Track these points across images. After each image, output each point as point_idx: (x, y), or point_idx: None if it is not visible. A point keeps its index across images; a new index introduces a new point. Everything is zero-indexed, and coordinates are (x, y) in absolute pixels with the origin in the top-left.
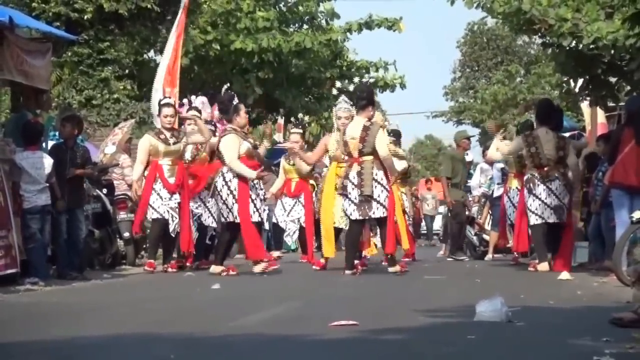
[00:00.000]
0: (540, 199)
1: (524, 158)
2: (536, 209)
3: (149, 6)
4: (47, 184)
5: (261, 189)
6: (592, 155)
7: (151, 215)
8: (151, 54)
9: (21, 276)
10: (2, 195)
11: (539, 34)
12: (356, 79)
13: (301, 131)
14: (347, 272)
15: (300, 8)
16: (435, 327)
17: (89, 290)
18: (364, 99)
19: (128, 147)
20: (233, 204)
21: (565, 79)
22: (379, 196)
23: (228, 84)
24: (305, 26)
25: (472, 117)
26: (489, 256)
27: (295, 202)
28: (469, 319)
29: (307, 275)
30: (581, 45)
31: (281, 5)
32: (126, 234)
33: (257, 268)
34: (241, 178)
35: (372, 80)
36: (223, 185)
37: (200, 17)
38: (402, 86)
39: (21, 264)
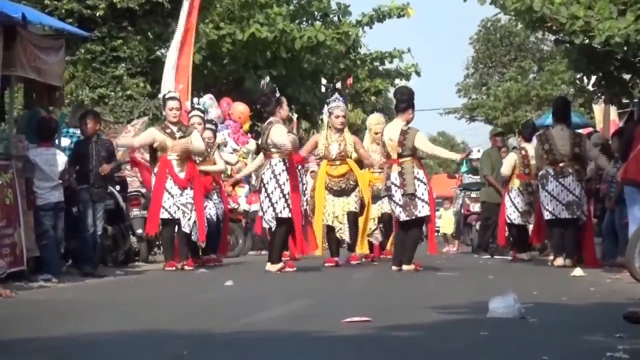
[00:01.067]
0: (552, 195)
1: (540, 156)
2: (548, 205)
3: (160, 0)
4: (60, 181)
5: (304, 183)
6: (603, 152)
7: (161, 215)
8: (164, 50)
9: (34, 273)
10: (12, 193)
11: (552, 30)
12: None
13: None
14: (394, 268)
15: (315, 3)
16: (447, 324)
17: (102, 287)
18: (405, 102)
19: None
20: (279, 198)
21: (579, 76)
22: (422, 194)
23: (267, 77)
24: (318, 22)
25: (485, 114)
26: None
27: None
28: (481, 315)
29: (318, 273)
30: (594, 43)
31: (294, 2)
32: (139, 231)
33: (273, 267)
34: (291, 171)
35: (385, 70)
36: (270, 179)
37: (214, 11)
38: (417, 74)
39: (34, 260)
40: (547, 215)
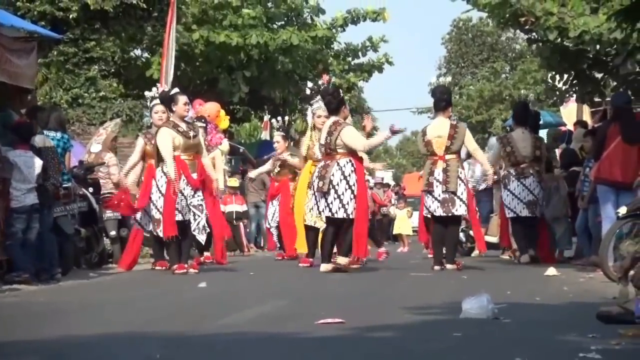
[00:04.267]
0: (513, 194)
1: (501, 157)
2: (510, 203)
3: (134, 2)
4: (36, 184)
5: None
6: (567, 152)
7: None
8: (137, 51)
9: (7, 274)
10: None
11: (525, 28)
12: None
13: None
14: (436, 267)
15: (287, 1)
16: (421, 324)
17: (76, 289)
18: (444, 101)
19: (114, 146)
20: (350, 199)
21: (550, 75)
22: (462, 194)
23: (328, 77)
24: (290, 26)
25: (458, 114)
26: (476, 252)
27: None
28: (455, 316)
29: (294, 273)
30: (566, 41)
31: (268, 4)
32: (112, 233)
33: (342, 260)
34: (359, 172)
35: (357, 64)
36: (341, 180)
37: (187, 11)
38: (390, 63)
39: (6, 262)
40: (508, 213)
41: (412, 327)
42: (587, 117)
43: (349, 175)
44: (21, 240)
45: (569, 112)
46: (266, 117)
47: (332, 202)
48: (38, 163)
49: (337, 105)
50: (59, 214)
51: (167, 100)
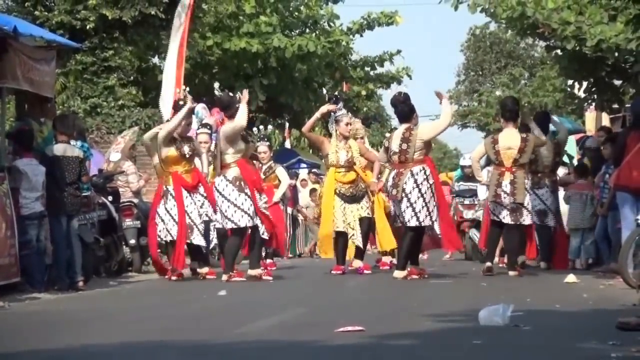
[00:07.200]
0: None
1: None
2: None
3: (152, 12)
4: (44, 192)
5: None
6: (596, 157)
7: (241, 223)
8: (155, 60)
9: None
10: (10, 203)
11: (543, 36)
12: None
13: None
14: (487, 264)
15: (302, 9)
16: (441, 332)
17: (96, 298)
18: (515, 111)
19: (132, 154)
20: (422, 207)
21: (570, 83)
22: (528, 204)
23: (403, 86)
24: (308, 30)
25: (477, 120)
26: (496, 259)
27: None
28: (475, 323)
29: (312, 281)
30: (584, 48)
31: (285, 13)
32: (132, 241)
33: (400, 274)
34: (434, 173)
35: (377, 74)
36: (413, 188)
37: (203, 19)
38: (409, 77)
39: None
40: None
41: (432, 334)
42: (605, 124)
43: (422, 183)
44: (35, 248)
45: (592, 119)
46: (287, 125)
47: (404, 211)
48: (41, 170)
49: (409, 113)
50: (79, 223)
51: (232, 105)
